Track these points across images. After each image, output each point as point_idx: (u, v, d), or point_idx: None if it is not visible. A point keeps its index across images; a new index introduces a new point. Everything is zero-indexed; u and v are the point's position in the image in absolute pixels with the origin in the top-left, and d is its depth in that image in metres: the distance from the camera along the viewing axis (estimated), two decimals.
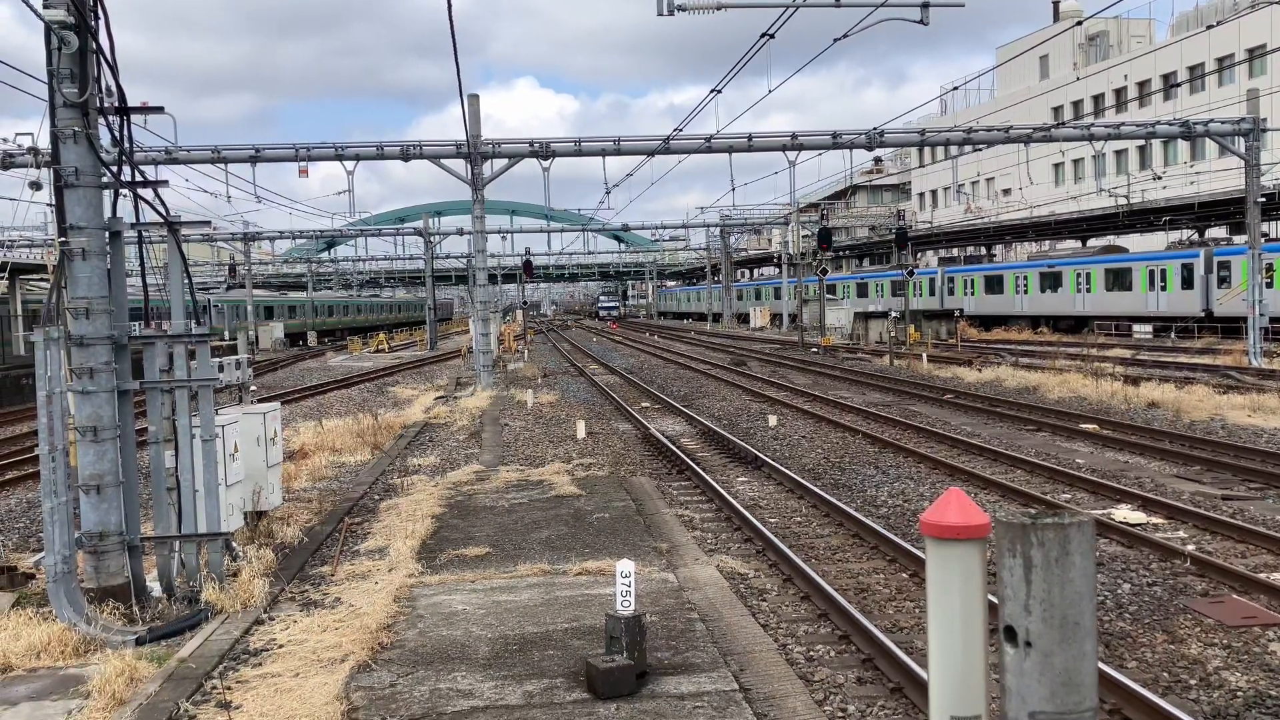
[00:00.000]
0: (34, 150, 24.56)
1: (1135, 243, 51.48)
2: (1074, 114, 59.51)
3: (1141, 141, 49.77)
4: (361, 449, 17.80)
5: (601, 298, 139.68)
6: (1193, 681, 6.73)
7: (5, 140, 27.00)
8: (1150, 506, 11.66)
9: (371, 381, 34.52)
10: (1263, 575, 8.80)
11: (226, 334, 49.87)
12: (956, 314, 49.01)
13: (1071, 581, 2.51)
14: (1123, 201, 45.35)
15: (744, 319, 79.62)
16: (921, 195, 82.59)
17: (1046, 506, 11.73)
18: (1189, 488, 12.80)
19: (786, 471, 14.25)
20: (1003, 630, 2.62)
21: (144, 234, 8.91)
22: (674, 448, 16.57)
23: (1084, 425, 18.00)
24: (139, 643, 7.43)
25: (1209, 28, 41.25)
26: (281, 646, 7.26)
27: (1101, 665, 6.42)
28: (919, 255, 68.88)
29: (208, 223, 42.42)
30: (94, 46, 8.06)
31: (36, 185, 27.16)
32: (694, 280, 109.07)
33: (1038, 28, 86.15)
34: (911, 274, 40.92)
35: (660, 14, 20.16)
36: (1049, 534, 2.52)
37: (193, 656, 7.10)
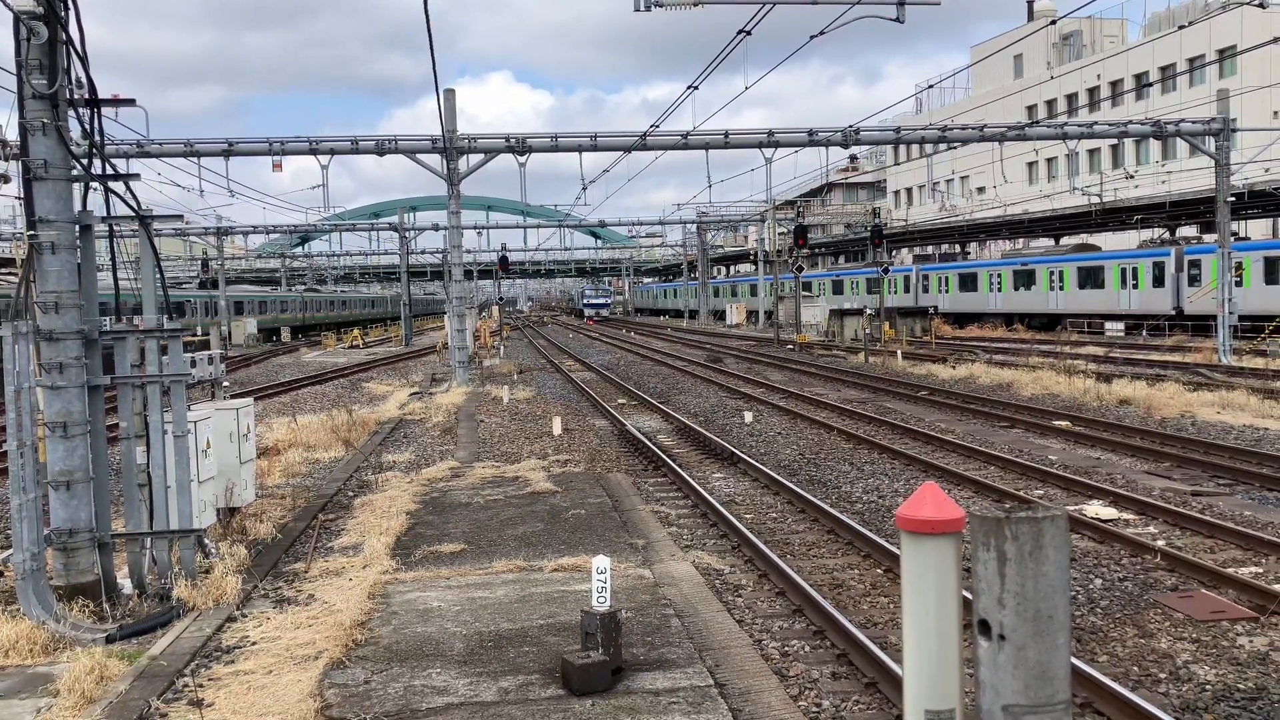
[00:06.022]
0: (2, 142, 24.20)
1: (1108, 241, 51.96)
2: (1048, 113, 59.96)
3: (1114, 141, 50.22)
4: (335, 445, 17.69)
5: (587, 291, 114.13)
6: (1163, 675, 6.80)
7: None
8: (1121, 502, 11.78)
9: (346, 377, 34.31)
10: (1231, 570, 8.91)
11: (199, 329, 49.42)
12: (931, 311, 49.29)
13: (1045, 575, 2.52)
14: (1095, 200, 45.73)
15: (720, 316, 79.71)
16: (897, 193, 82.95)
17: (1019, 502, 11.82)
18: (1159, 484, 12.93)
19: (762, 468, 14.28)
20: (977, 624, 2.63)
21: (115, 228, 8.82)
22: (650, 444, 16.57)
23: (1056, 422, 18.14)
24: (109, 640, 7.36)
25: (1180, 28, 41.71)
26: (254, 644, 7.21)
27: (1073, 659, 6.48)
28: (894, 253, 69.19)
29: (180, 216, 42.07)
30: (64, 37, 7.96)
31: (5, 178, 26.77)
32: (670, 277, 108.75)
33: (1012, 26, 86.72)
34: (886, 271, 41.10)
35: (637, 9, 20.03)
36: (1023, 528, 2.53)
37: (164, 654, 7.04)
